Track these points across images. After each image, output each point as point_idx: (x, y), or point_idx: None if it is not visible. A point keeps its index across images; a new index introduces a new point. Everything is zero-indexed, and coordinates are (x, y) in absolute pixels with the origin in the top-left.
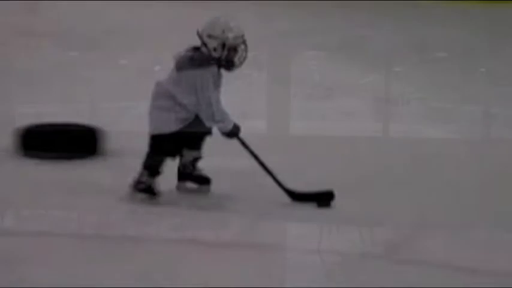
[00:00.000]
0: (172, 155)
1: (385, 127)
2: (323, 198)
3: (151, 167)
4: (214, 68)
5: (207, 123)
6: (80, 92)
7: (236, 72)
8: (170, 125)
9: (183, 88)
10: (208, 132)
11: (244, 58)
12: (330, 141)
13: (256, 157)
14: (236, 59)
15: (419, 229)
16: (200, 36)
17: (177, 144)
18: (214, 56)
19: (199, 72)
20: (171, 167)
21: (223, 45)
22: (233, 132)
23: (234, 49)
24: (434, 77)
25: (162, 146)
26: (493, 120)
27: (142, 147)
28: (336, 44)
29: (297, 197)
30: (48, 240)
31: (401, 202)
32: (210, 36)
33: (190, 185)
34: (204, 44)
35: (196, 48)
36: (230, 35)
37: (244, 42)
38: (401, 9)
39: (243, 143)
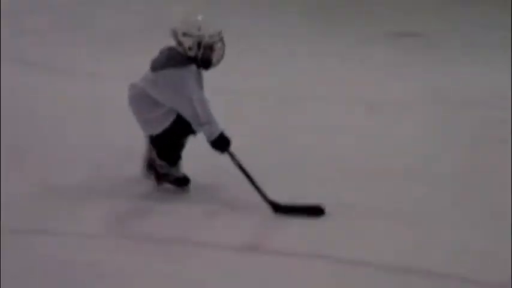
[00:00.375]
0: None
1: None
2: (311, 213)
3: (170, 157)
4: (193, 67)
5: (194, 127)
6: None
7: None
8: (162, 122)
9: (160, 89)
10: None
11: (222, 56)
12: None
13: (243, 170)
14: (214, 58)
15: None
16: (175, 35)
17: (180, 131)
18: (190, 55)
19: (176, 72)
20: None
21: (199, 44)
22: (220, 144)
23: (210, 48)
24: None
25: (169, 139)
26: None
27: None
28: None
29: (282, 209)
30: None
31: None
32: (185, 34)
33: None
34: (179, 43)
35: (172, 48)
36: (206, 33)
37: (221, 39)
38: None
39: (231, 155)
